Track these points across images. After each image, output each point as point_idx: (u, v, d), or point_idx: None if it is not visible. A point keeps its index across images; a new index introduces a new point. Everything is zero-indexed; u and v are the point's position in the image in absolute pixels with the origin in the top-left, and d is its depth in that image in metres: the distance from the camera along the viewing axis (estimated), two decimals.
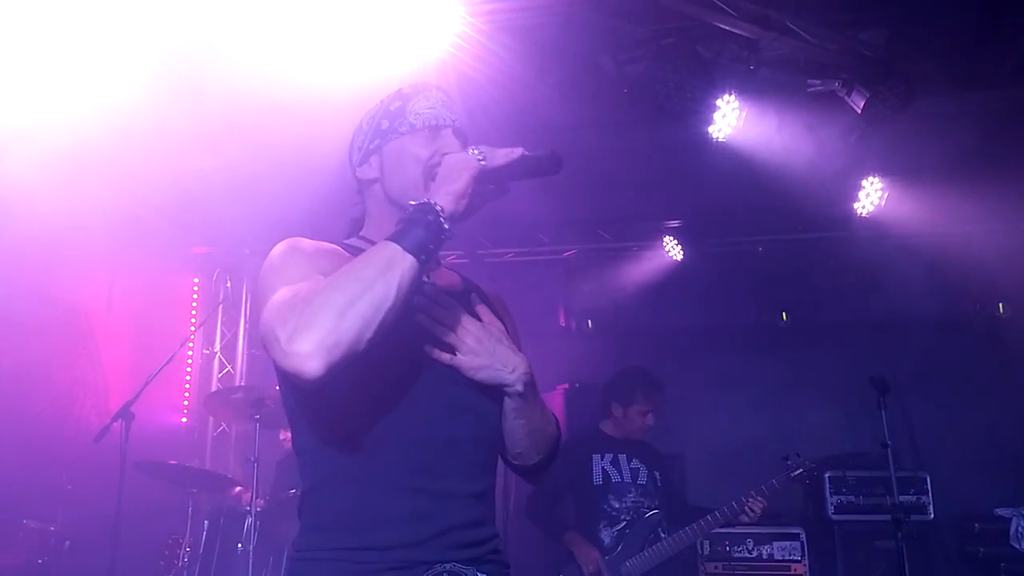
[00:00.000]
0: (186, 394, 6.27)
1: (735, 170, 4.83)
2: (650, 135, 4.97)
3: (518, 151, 1.47)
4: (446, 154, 1.51)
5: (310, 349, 1.26)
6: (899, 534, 3.73)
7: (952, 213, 5.26)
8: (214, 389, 6.41)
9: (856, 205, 5.27)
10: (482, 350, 1.56)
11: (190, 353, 6.35)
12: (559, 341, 6.55)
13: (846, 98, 4.13)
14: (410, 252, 1.35)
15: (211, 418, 6.25)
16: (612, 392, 4.13)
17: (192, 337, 6.18)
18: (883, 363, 4.33)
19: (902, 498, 4.15)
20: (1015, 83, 4.40)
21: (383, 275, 1.32)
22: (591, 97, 4.60)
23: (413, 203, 1.41)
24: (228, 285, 5.02)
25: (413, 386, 1.50)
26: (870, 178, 5.19)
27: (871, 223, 5.41)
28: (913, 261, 5.66)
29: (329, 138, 4.74)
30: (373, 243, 1.50)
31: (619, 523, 3.86)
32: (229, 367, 6.61)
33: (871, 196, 5.21)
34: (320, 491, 1.52)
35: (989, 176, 5.02)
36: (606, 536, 3.86)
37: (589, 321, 6.62)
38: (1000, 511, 4.80)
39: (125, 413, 4.14)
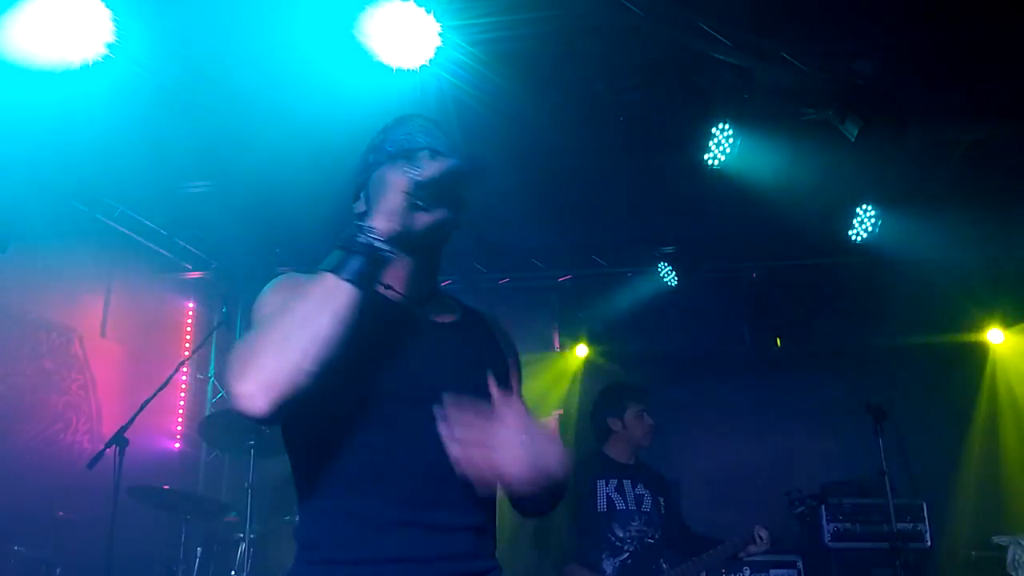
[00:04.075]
0: (179, 420, 6.22)
1: (729, 197, 4.86)
2: (645, 162, 4.99)
3: (449, 161, 1.47)
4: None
5: (252, 389, 1.31)
6: (897, 562, 3.72)
7: (946, 240, 5.29)
8: (208, 415, 6.38)
9: (850, 232, 5.30)
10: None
11: (184, 378, 6.31)
12: (554, 366, 6.55)
13: (840, 126, 4.17)
14: (347, 281, 1.37)
15: (204, 444, 6.20)
16: (603, 410, 4.14)
17: (187, 362, 6.15)
18: (878, 390, 4.34)
19: (899, 526, 4.13)
20: (1007, 113, 4.45)
21: (320, 308, 1.35)
22: (587, 124, 4.64)
23: (357, 228, 1.42)
24: (224, 310, 4.99)
25: (401, 421, 1.50)
26: (864, 205, 5.23)
27: (865, 249, 5.44)
28: (907, 287, 5.69)
29: (328, 162, 4.80)
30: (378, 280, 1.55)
31: (622, 553, 3.82)
32: (223, 392, 6.57)
33: (865, 223, 5.24)
34: (313, 523, 1.52)
35: (982, 203, 5.06)
36: (608, 566, 3.82)
37: (584, 345, 6.63)
38: (997, 539, 4.76)
39: (119, 439, 4.10)
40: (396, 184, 1.43)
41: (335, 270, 1.38)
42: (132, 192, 5.50)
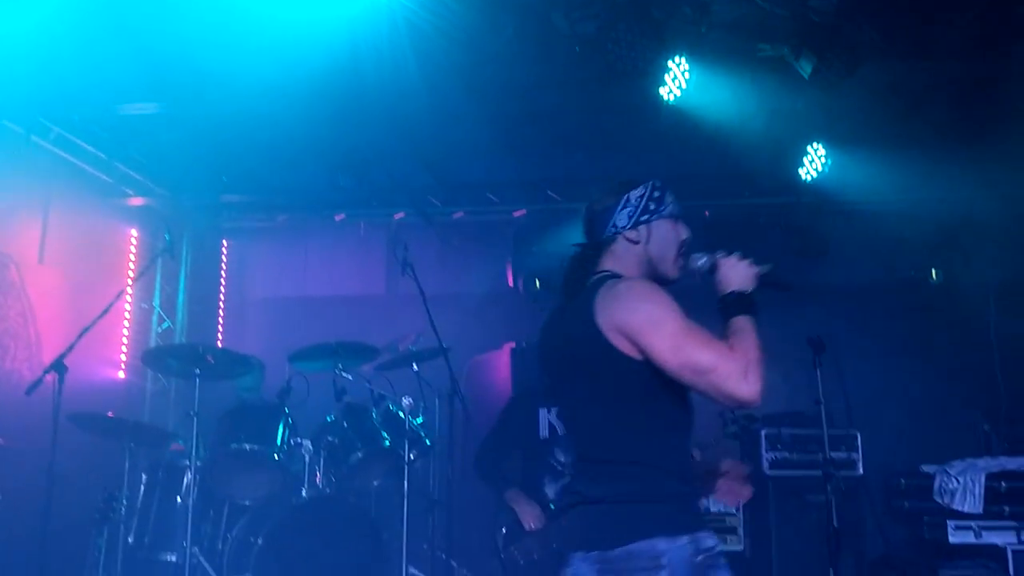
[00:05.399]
0: (123, 348, 6.12)
1: (684, 133, 4.86)
2: (601, 95, 4.95)
3: (767, 268, 2.22)
4: (732, 257, 2.22)
5: (760, 387, 1.96)
6: (828, 487, 3.87)
7: (892, 181, 5.38)
8: (153, 344, 6.28)
9: (800, 170, 5.35)
10: None
11: (128, 307, 6.19)
12: (507, 301, 6.57)
13: (794, 63, 4.17)
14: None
15: (150, 373, 6.13)
16: None
17: (129, 290, 6.02)
18: (820, 325, 4.45)
19: (833, 455, 4.28)
20: (959, 55, 4.49)
21: (759, 339, 2.04)
22: (543, 54, 4.57)
23: (735, 291, 2.15)
24: (167, 237, 4.86)
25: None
26: (815, 144, 5.28)
27: (814, 189, 5.51)
28: (852, 227, 5.80)
29: (279, 89, 4.65)
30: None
31: (563, 477, 3.91)
32: (169, 322, 6.47)
33: (815, 162, 5.30)
34: (668, 456, 2.06)
35: (930, 146, 5.15)
36: (550, 490, 3.91)
37: (537, 281, 6.63)
38: (926, 468, 4.99)
39: (58, 365, 4.02)
40: (751, 274, 2.19)
41: (752, 316, 2.10)
42: (68, 113, 5.29)
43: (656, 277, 2.23)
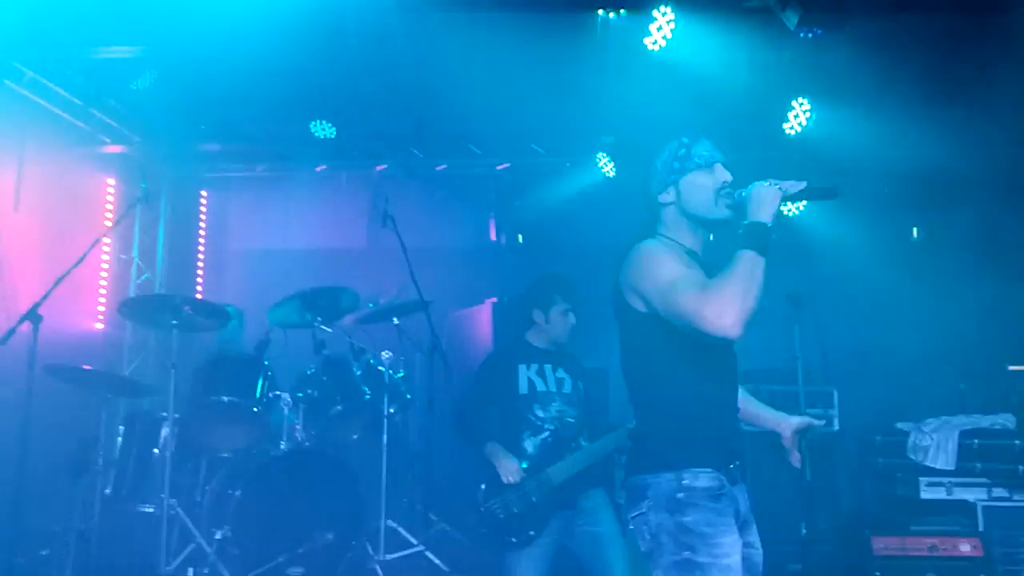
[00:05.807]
0: (101, 300, 6.07)
1: (669, 85, 4.80)
2: (586, 44, 4.86)
3: (803, 184, 2.20)
4: (756, 184, 2.20)
5: (734, 320, 2.03)
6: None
7: (875, 137, 5.35)
8: (131, 295, 6.24)
9: (785, 125, 5.30)
10: None
11: (105, 258, 6.12)
12: (490, 255, 6.55)
13: (780, 14, 4.10)
14: (762, 255, 2.11)
15: (129, 325, 6.09)
16: (531, 299, 4.15)
17: (107, 239, 5.95)
18: (799, 281, 4.45)
19: (810, 411, 4.32)
20: (946, 8, 4.43)
21: (757, 270, 2.09)
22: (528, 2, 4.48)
23: (747, 223, 2.15)
24: (143, 186, 4.77)
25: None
26: (799, 99, 5.22)
27: (797, 144, 5.47)
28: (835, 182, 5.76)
29: (256, 28, 4.54)
30: (677, 242, 2.36)
31: (542, 432, 3.92)
32: (148, 273, 6.41)
33: (799, 117, 5.24)
34: (692, 402, 2.27)
35: (913, 102, 5.11)
36: (529, 445, 3.91)
37: (520, 235, 6.61)
38: (900, 425, 5.05)
39: (32, 315, 3.97)
40: (773, 197, 2.16)
41: (755, 248, 2.10)
42: (42, 56, 5.15)
43: (706, 226, 2.38)
